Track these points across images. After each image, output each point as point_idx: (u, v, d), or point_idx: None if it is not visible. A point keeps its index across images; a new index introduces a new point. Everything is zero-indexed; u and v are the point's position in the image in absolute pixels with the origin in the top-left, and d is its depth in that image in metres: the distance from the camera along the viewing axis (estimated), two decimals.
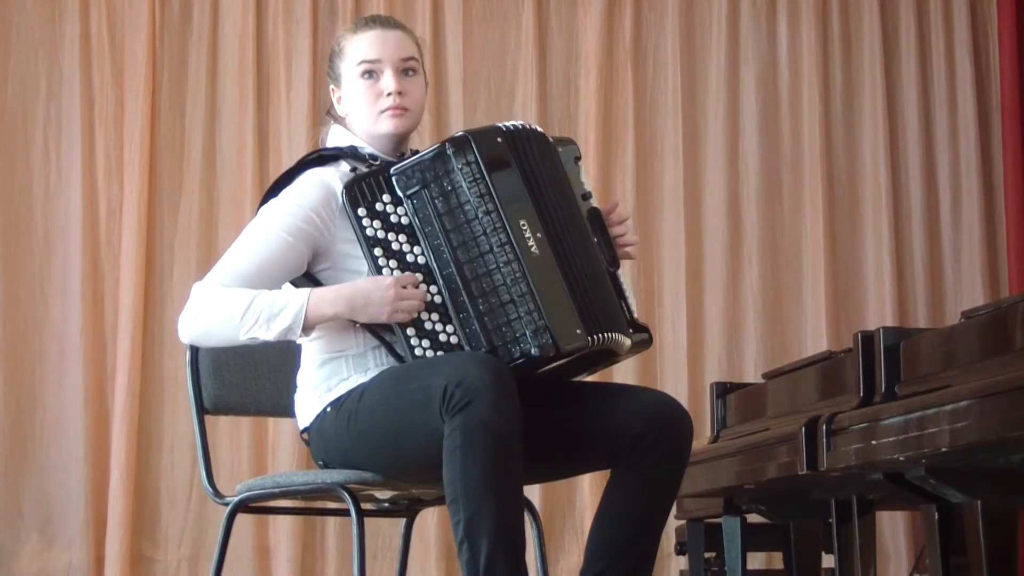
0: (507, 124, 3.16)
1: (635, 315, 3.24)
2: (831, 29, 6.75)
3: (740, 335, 6.51)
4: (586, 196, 3.25)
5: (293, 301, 3.05)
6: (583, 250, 3.16)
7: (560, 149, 3.25)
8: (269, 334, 3.05)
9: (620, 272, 3.25)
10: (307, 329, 3.06)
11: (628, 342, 3.16)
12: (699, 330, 6.48)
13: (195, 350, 3.43)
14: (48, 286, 6.07)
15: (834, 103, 6.72)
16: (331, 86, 3.29)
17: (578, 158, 3.29)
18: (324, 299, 3.05)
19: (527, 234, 3.07)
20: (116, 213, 6.12)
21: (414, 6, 6.40)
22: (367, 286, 3.04)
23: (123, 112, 6.16)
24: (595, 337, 3.07)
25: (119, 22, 6.22)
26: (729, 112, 6.62)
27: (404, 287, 3.02)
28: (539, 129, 3.22)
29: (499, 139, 3.12)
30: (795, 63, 6.70)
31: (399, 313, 3.02)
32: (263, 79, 6.30)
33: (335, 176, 3.15)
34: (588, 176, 3.33)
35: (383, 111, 3.19)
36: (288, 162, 5.80)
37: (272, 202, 3.16)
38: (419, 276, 3.05)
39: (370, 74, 3.20)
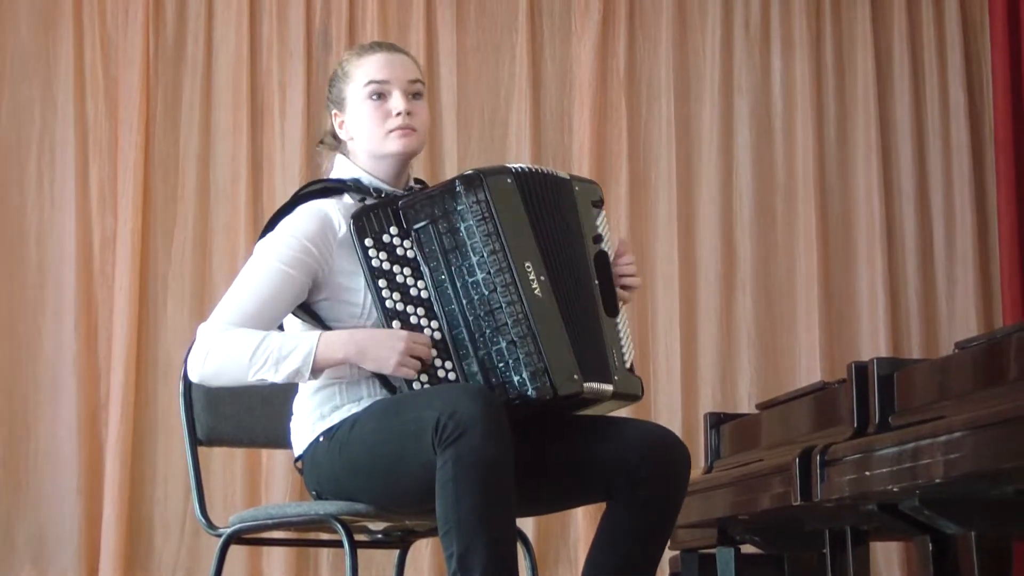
0: (518, 165, 3.17)
1: (629, 365, 3.21)
2: (824, 59, 6.76)
3: (734, 365, 6.50)
4: (597, 239, 3.23)
5: (303, 343, 3.04)
6: (583, 296, 3.15)
7: (577, 188, 3.24)
8: (278, 376, 3.04)
9: (621, 319, 3.22)
10: (316, 372, 3.06)
11: (610, 389, 3.13)
12: (693, 360, 6.47)
13: (188, 381, 3.40)
14: (42, 316, 6.05)
15: (827, 133, 6.73)
16: (332, 111, 3.27)
17: (596, 202, 3.26)
18: (335, 342, 3.05)
19: (531, 276, 3.06)
20: (110, 243, 6.11)
21: (408, 36, 6.40)
22: (379, 335, 3.04)
23: (117, 142, 6.16)
24: (588, 385, 3.06)
25: (113, 52, 6.22)
26: (723, 142, 6.63)
27: (415, 343, 3.01)
28: (554, 171, 3.21)
29: (509, 180, 3.12)
30: (789, 93, 6.70)
31: (404, 367, 3.01)
32: (257, 109, 6.30)
33: (335, 208, 3.15)
34: (607, 221, 3.29)
35: (391, 131, 3.20)
36: (282, 192, 5.81)
37: (270, 235, 3.16)
38: (431, 338, 3.04)
39: (379, 95, 3.21)
